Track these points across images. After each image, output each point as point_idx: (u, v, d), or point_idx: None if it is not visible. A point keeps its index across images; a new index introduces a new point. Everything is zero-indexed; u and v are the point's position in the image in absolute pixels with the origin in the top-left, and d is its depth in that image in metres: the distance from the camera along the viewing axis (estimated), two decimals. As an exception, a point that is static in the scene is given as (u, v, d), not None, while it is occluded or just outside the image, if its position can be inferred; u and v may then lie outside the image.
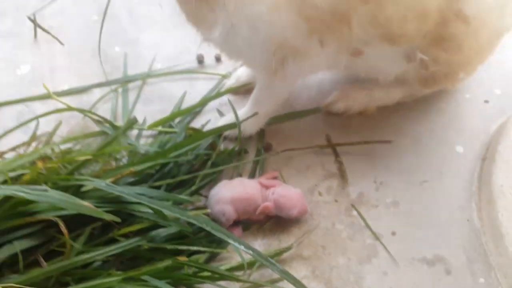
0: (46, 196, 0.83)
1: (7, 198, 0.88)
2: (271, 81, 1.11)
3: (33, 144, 1.23)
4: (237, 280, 0.98)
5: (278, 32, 0.95)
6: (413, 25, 0.97)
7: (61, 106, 1.31)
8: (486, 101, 1.33)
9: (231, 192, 1.07)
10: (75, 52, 1.49)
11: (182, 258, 0.91)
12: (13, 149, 1.20)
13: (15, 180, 0.94)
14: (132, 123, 1.10)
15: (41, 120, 1.28)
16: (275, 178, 1.16)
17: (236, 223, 1.07)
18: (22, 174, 0.92)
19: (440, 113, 1.30)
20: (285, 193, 1.07)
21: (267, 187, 1.09)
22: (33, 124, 1.29)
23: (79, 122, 1.30)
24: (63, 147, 1.16)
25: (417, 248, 1.07)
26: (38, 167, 0.88)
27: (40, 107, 1.36)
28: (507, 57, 1.40)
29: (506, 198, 1.06)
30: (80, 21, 1.58)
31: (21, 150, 1.22)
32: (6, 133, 1.19)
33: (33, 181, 0.90)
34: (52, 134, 1.25)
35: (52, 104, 1.35)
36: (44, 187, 0.84)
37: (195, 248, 0.99)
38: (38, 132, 1.26)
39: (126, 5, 1.61)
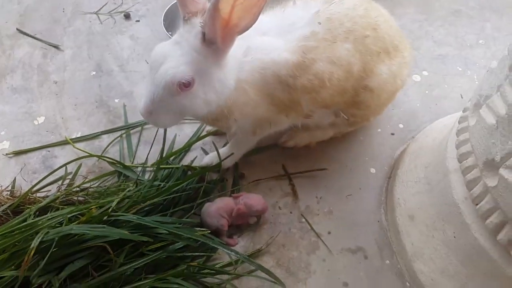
0: (104, 231, 1.24)
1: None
2: (248, 137, 1.57)
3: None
4: (227, 273, 1.43)
5: (260, 116, 1.43)
6: (338, 99, 1.46)
7: (77, 151, 1.69)
8: (392, 134, 1.83)
9: (214, 206, 1.52)
10: (81, 103, 1.84)
11: (192, 264, 1.36)
12: (39, 189, 1.56)
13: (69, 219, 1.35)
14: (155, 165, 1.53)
15: (62, 162, 1.65)
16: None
17: (231, 235, 1.52)
18: (77, 216, 1.32)
19: (359, 144, 1.79)
20: (250, 196, 1.54)
21: (237, 197, 1.55)
22: (55, 165, 1.67)
23: (95, 163, 1.69)
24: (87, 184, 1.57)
25: (345, 242, 1.55)
26: (92, 212, 1.29)
27: (59, 151, 1.73)
28: (409, 99, 1.91)
29: (401, 207, 1.54)
30: (81, 76, 1.92)
31: (49, 187, 1.59)
32: (44, 178, 1.55)
33: (88, 220, 1.30)
34: (74, 175, 1.63)
35: (69, 148, 1.73)
36: (101, 226, 1.25)
37: (196, 253, 1.44)
38: (62, 173, 1.63)
39: (118, 62, 1.97)
